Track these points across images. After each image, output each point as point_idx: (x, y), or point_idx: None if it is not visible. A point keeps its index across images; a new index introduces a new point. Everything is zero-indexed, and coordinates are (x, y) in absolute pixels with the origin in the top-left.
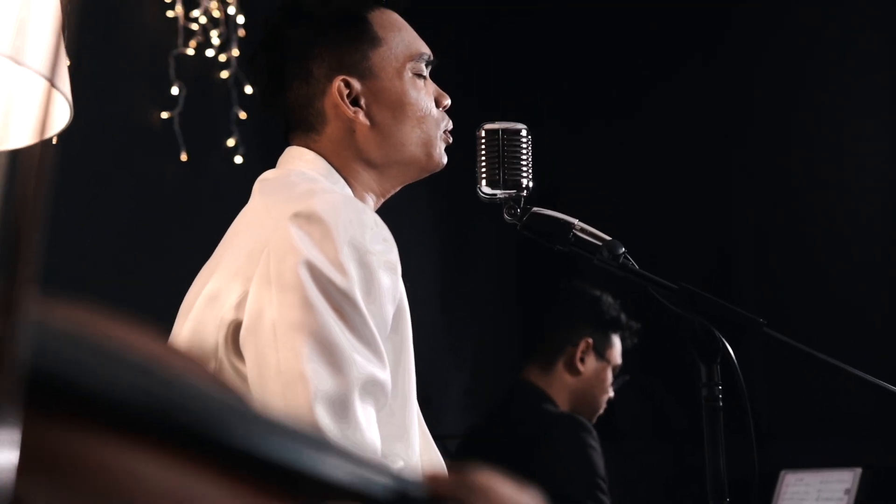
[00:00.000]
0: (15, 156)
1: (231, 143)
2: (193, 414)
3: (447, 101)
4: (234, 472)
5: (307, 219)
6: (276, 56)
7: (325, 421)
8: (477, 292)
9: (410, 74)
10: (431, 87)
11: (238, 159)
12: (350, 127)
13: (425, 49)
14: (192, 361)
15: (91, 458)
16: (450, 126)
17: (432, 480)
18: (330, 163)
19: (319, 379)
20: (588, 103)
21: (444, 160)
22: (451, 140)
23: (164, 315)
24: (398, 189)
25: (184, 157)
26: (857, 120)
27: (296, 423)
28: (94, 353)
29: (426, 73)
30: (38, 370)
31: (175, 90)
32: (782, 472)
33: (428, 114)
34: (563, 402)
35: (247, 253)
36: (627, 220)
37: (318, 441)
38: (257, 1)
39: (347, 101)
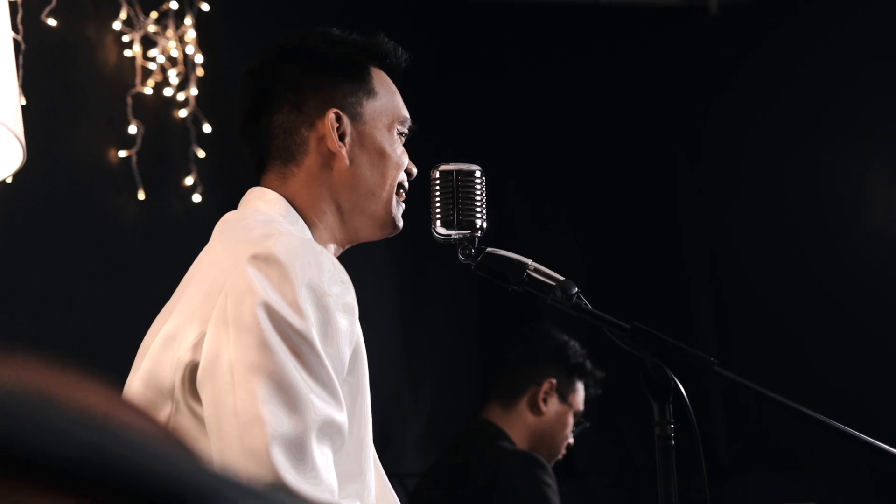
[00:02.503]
0: None
1: (189, 181)
2: (131, 470)
3: (414, 171)
4: None
5: (265, 260)
6: (270, 79)
7: (283, 462)
8: (436, 332)
9: (395, 133)
10: (405, 153)
11: (196, 198)
12: (328, 162)
13: (409, 116)
14: (138, 412)
15: None
16: (406, 185)
17: None
18: (294, 203)
19: (276, 420)
20: (546, 145)
21: (401, 224)
22: (403, 205)
23: (122, 354)
24: (353, 244)
25: (141, 195)
26: (845, 155)
27: (250, 482)
28: (39, 413)
29: (405, 136)
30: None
31: (133, 129)
32: None
33: (398, 173)
34: (521, 442)
35: (204, 294)
36: (579, 256)
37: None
38: (216, 41)
39: (336, 134)
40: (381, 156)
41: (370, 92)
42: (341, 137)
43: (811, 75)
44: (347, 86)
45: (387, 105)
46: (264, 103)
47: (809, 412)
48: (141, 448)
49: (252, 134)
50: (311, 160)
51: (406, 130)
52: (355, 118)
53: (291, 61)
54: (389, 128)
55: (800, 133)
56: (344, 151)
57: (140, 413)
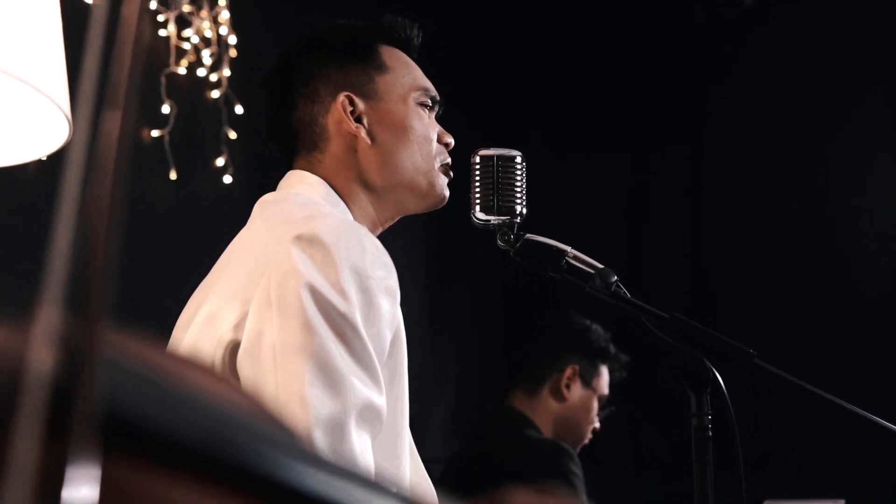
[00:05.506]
0: (85, 188)
1: (220, 162)
2: (249, 454)
3: (450, 140)
4: None
5: (309, 242)
6: (285, 79)
7: (321, 445)
8: (460, 317)
9: (414, 104)
10: (436, 125)
11: (227, 179)
12: (351, 145)
13: (431, 86)
14: (247, 397)
15: (153, 495)
16: (448, 160)
17: None
18: (331, 186)
19: (318, 402)
20: (575, 132)
21: (446, 193)
22: (451, 175)
23: (152, 333)
24: (395, 220)
25: (173, 175)
26: (855, 146)
27: (343, 462)
28: (160, 394)
29: (430, 106)
30: (112, 412)
31: (166, 109)
32: (766, 503)
33: (429, 142)
34: (546, 429)
35: (246, 274)
36: (610, 249)
37: (365, 481)
38: (250, 22)
39: (350, 117)
40: (403, 128)
41: (380, 67)
42: (358, 119)
43: (822, 69)
44: (357, 66)
45: (402, 77)
46: (284, 105)
47: (848, 405)
48: (249, 434)
49: (278, 136)
50: (334, 146)
51: (429, 101)
52: (369, 96)
53: (300, 57)
54: (407, 99)
55: (805, 132)
56: (363, 132)
57: (243, 396)
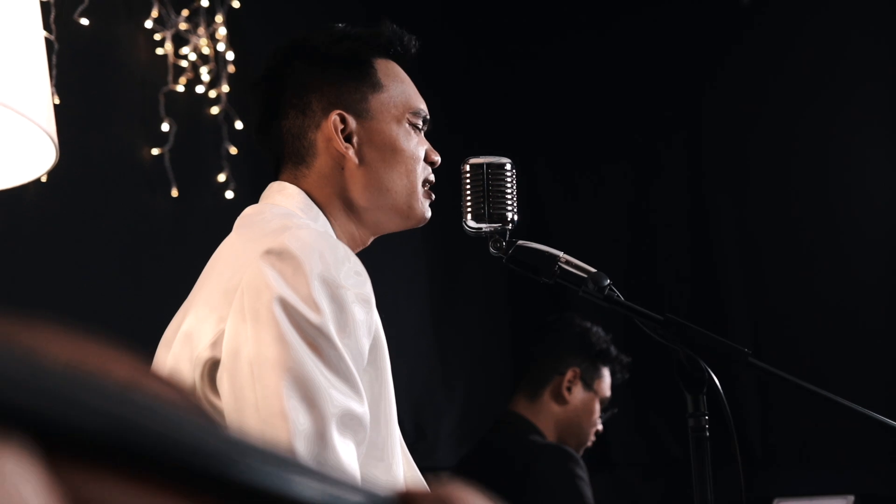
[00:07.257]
0: None
1: (222, 178)
2: (170, 443)
3: (437, 158)
4: (211, 499)
5: (279, 256)
6: (277, 85)
7: (304, 457)
8: (468, 324)
9: (406, 125)
10: (425, 143)
11: (229, 195)
12: (339, 163)
13: (423, 106)
14: (169, 386)
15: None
16: (432, 178)
17: (405, 495)
18: (313, 198)
19: (297, 415)
20: (574, 141)
21: (428, 214)
22: (433, 197)
23: (155, 351)
24: (373, 239)
25: (175, 193)
26: (857, 133)
27: (271, 446)
28: (63, 381)
29: (421, 128)
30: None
31: (165, 127)
32: (776, 500)
33: (417, 163)
34: (549, 433)
35: (221, 291)
36: (616, 250)
37: (295, 464)
38: (247, 38)
39: (341, 136)
40: (394, 150)
41: (375, 85)
42: (348, 138)
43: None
44: (351, 83)
45: (396, 96)
46: (273, 111)
47: (846, 402)
48: (162, 417)
49: (265, 142)
50: (321, 162)
51: (420, 122)
52: (361, 115)
53: (294, 64)
54: (400, 119)
55: (803, 126)
56: (351, 152)
57: (165, 382)
